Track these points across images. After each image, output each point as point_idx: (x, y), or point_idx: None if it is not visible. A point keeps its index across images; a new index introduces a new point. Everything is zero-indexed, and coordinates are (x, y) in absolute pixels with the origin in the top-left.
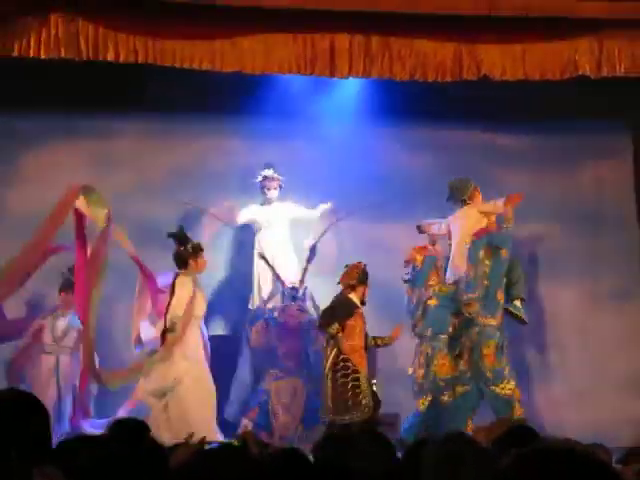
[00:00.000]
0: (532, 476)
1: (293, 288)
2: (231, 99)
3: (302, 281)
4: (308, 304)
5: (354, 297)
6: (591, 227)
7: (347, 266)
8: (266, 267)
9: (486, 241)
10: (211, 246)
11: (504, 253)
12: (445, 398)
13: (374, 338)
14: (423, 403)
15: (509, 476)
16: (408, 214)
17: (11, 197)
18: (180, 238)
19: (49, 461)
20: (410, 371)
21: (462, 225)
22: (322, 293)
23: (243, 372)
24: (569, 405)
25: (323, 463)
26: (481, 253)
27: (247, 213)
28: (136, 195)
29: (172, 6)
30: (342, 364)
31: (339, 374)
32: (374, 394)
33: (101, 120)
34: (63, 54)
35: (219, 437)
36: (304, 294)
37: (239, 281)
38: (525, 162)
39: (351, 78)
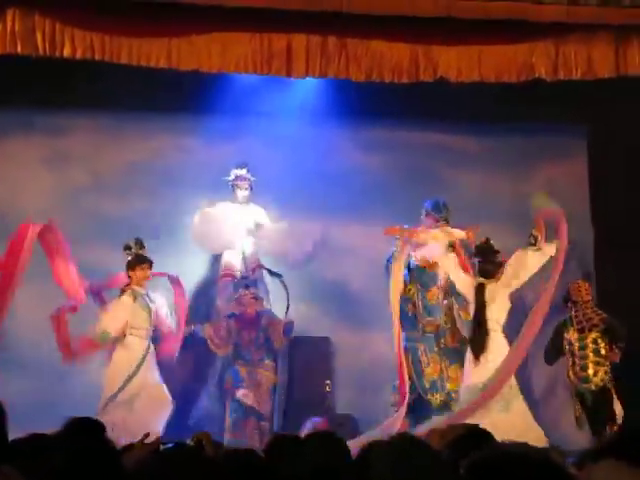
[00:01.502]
0: None
1: (244, 277)
2: (187, 97)
3: (254, 270)
4: (259, 290)
5: None
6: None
7: (578, 283)
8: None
9: None
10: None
11: None
12: None
13: None
14: None
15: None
16: (362, 214)
17: None
18: (489, 251)
19: (6, 460)
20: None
21: (444, 242)
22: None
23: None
24: None
25: (276, 464)
26: None
27: (217, 213)
28: (90, 191)
29: (129, 3)
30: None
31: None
32: None
33: (56, 116)
34: (19, 50)
35: None
36: (255, 281)
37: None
38: (479, 163)
39: (308, 78)
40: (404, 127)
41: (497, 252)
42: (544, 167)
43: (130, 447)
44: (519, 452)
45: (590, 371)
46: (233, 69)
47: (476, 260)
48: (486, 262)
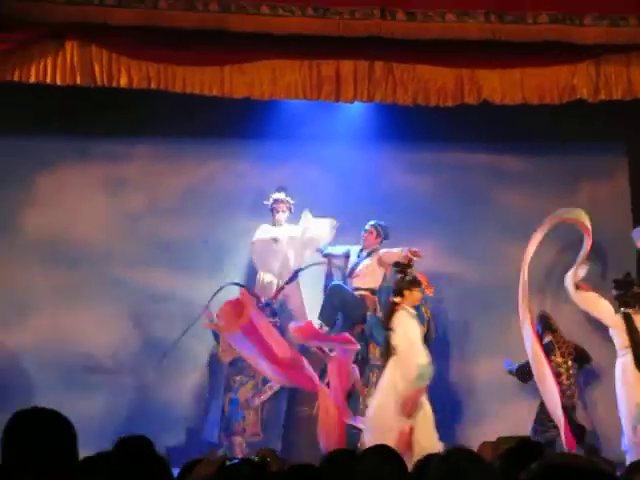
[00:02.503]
0: None
1: (267, 304)
2: (238, 122)
3: (274, 297)
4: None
5: None
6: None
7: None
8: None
9: None
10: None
11: None
12: None
13: None
14: None
15: None
16: (409, 233)
17: (25, 216)
18: (629, 285)
19: (74, 475)
20: None
21: None
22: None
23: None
24: None
25: (335, 478)
26: None
27: (260, 233)
28: (147, 216)
29: (182, 32)
30: None
31: None
32: None
33: (113, 143)
34: (78, 81)
35: None
36: (276, 309)
37: None
38: (525, 182)
39: (355, 102)
40: (449, 148)
41: (635, 285)
42: (587, 185)
43: (197, 462)
44: (581, 464)
45: (574, 390)
46: (284, 96)
47: (616, 292)
48: (627, 295)
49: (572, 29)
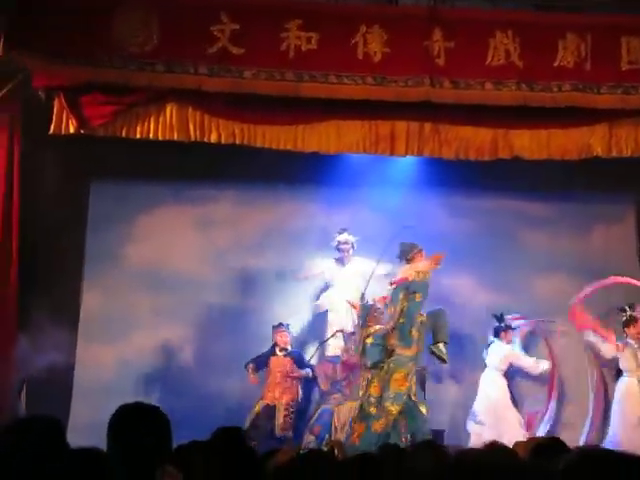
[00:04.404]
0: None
1: (353, 333)
2: (309, 171)
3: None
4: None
5: None
6: (601, 279)
7: None
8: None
9: (404, 287)
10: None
11: (417, 297)
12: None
13: None
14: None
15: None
16: (453, 268)
17: (128, 250)
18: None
19: (170, 462)
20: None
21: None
22: None
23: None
24: None
25: (387, 466)
26: (400, 296)
27: (322, 266)
28: (233, 250)
29: (263, 97)
30: None
31: None
32: None
33: (202, 188)
34: (175, 137)
35: None
36: None
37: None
38: (547, 225)
39: (407, 157)
40: (484, 196)
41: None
42: (599, 228)
43: (274, 452)
44: (610, 452)
45: None
46: (346, 150)
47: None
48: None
49: (590, 97)
